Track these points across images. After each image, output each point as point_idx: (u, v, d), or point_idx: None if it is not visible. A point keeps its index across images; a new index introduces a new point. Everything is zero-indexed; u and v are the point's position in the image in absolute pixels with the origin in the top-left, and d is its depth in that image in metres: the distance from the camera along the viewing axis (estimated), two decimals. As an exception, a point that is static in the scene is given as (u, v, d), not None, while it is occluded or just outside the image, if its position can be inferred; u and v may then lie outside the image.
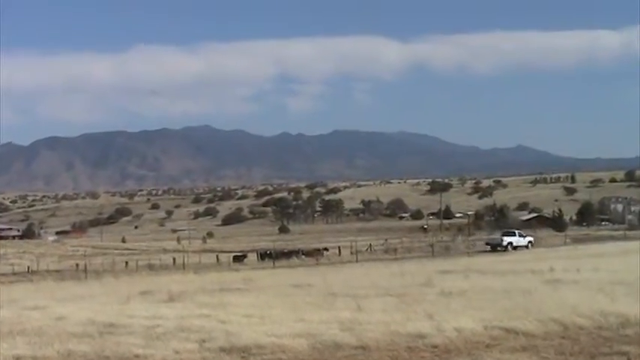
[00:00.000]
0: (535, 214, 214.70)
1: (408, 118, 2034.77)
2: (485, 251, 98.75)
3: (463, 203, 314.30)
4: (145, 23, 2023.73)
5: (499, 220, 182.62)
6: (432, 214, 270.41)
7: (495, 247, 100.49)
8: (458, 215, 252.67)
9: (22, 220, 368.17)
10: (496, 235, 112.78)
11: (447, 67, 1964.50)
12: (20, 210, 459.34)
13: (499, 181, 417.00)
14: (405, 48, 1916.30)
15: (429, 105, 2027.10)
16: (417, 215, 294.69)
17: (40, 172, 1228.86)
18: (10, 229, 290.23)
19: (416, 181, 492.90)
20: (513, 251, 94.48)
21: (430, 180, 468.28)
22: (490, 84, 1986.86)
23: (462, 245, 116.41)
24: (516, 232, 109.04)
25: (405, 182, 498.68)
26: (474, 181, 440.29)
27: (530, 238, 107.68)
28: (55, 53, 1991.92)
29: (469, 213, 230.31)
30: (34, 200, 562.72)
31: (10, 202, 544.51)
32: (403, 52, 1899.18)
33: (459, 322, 20.12)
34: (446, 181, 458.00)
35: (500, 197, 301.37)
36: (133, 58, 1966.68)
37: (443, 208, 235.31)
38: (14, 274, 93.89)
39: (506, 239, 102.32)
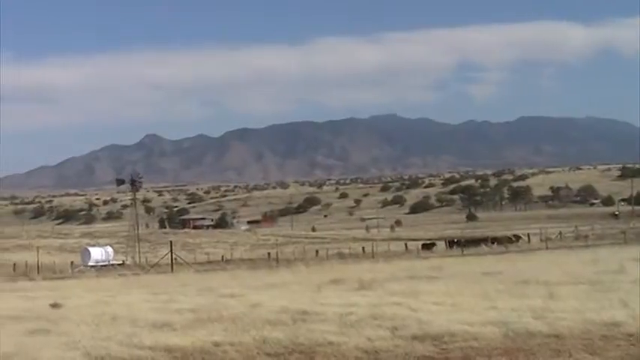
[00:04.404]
0: None
1: (596, 103, 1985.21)
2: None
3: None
4: (329, 15, 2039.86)
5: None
6: (624, 200, 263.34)
7: None
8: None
9: (215, 210, 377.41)
10: None
11: (635, 50, 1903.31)
12: (213, 200, 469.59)
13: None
14: (589, 32, 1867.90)
15: (618, 89, 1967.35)
16: (607, 202, 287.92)
17: (231, 163, 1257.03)
18: (204, 219, 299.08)
19: (606, 166, 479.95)
20: None
21: (621, 165, 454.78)
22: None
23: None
24: None
25: (594, 168, 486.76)
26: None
27: None
28: (241, 47, 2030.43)
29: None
30: (226, 190, 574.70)
31: (204, 192, 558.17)
32: (588, 36, 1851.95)
33: (656, 310, 19.62)
34: (637, 166, 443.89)
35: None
36: (317, 50, 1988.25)
37: (635, 194, 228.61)
38: (209, 262, 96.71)
39: None
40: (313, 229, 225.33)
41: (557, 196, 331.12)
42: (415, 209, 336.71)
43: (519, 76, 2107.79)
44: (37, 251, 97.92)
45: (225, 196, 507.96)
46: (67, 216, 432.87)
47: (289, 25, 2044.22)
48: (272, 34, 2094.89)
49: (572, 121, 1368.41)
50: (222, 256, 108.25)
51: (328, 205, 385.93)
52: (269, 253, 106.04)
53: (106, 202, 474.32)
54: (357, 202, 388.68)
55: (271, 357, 16.73)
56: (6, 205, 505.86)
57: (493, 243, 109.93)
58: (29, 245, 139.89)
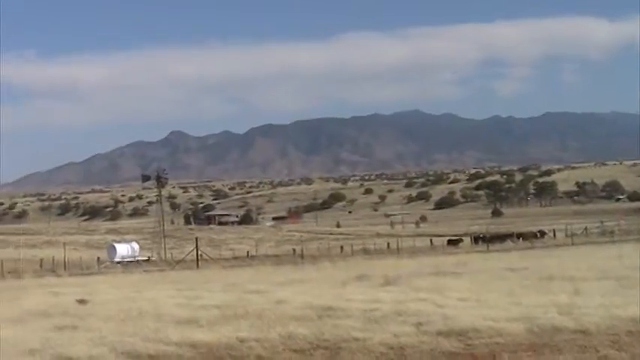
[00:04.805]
0: None
1: (621, 98, 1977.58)
2: None
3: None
4: (353, 10, 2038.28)
5: None
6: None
7: None
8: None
9: (241, 207, 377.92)
10: None
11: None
12: (238, 196, 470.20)
13: None
14: (614, 27, 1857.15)
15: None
16: (634, 197, 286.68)
17: (256, 160, 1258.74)
18: (229, 215, 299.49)
19: (632, 162, 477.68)
20: None
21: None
22: None
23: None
24: None
25: (620, 163, 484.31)
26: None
27: None
28: (266, 43, 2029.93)
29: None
30: (251, 187, 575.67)
31: (229, 188, 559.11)
32: (612, 31, 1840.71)
33: (682, 306, 19.54)
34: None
35: None
36: (341, 45, 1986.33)
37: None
38: (235, 258, 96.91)
39: None
40: (338, 225, 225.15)
41: (582, 192, 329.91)
42: (440, 205, 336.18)
43: (544, 72, 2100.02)
44: (64, 247, 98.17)
45: (250, 192, 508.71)
46: (92, 212, 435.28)
47: (313, 21, 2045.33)
48: (296, 30, 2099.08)
49: (596, 116, 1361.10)
50: (248, 252, 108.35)
51: (353, 201, 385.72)
52: (294, 250, 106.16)
53: (131, 199, 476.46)
54: (382, 198, 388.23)
55: (297, 353, 16.76)
56: (33, 202, 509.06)
57: (518, 239, 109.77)
58: (56, 241, 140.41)
